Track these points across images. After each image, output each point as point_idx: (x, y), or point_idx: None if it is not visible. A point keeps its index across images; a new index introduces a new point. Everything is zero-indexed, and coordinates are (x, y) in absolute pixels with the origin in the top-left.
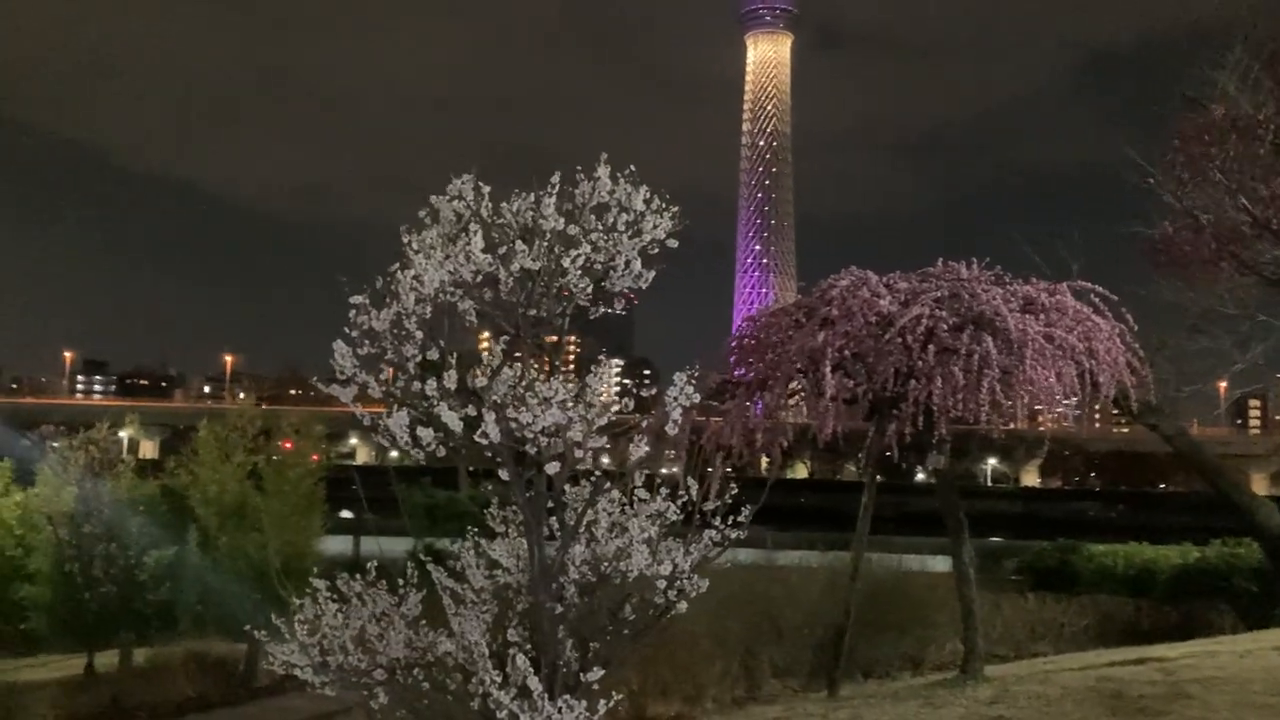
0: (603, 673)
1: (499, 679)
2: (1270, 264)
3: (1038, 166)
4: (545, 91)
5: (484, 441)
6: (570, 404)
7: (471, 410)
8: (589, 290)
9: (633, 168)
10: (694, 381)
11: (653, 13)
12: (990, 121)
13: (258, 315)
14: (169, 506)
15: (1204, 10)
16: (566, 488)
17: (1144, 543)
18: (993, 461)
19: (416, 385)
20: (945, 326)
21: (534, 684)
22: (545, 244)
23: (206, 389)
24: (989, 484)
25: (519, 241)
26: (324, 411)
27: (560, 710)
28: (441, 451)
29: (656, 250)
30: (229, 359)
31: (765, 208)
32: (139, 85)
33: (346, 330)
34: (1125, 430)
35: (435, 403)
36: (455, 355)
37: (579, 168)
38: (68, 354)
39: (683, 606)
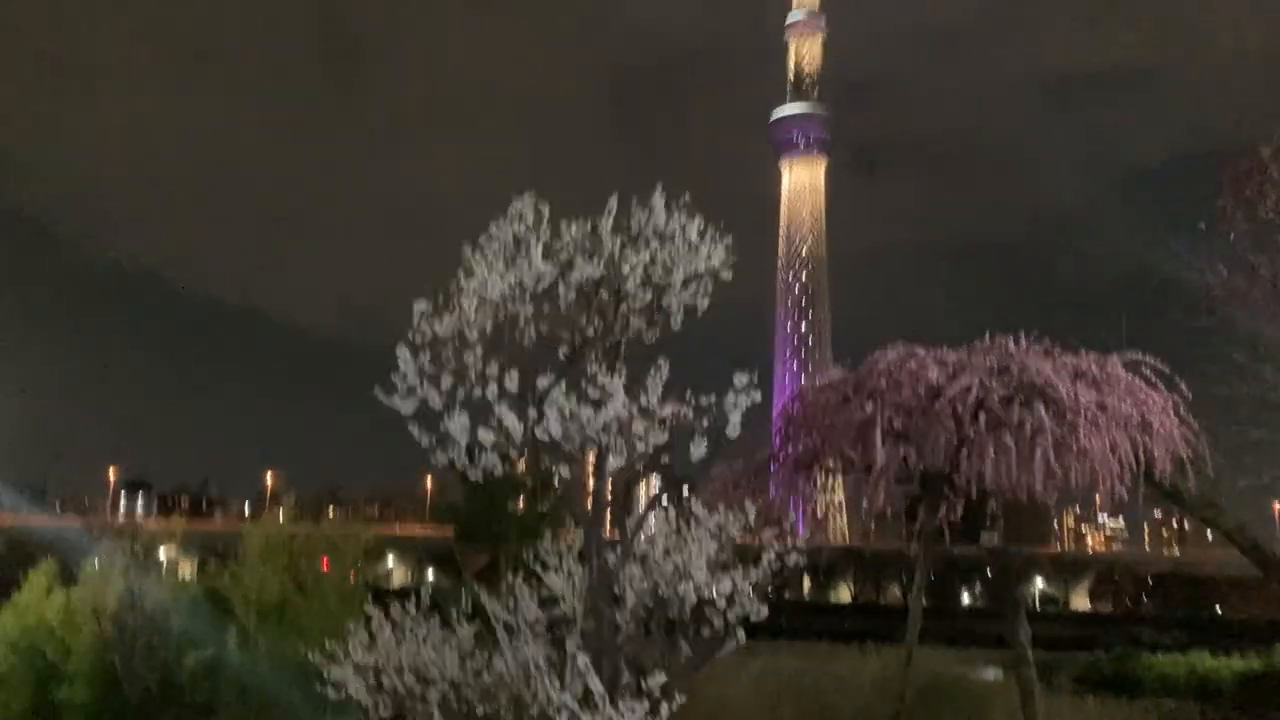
0: (665, 679)
1: (558, 685)
2: None
3: (1078, 279)
4: (582, 211)
5: (545, 439)
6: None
7: (533, 413)
8: (648, 299)
9: (688, 197)
10: (753, 387)
11: (688, 136)
12: (1028, 236)
13: (300, 433)
14: (211, 605)
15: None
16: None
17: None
18: (1040, 585)
19: (478, 391)
20: (995, 398)
21: (595, 685)
22: (604, 256)
23: (247, 510)
24: (1037, 608)
25: (578, 256)
26: (362, 533)
27: (621, 714)
28: (499, 470)
29: (710, 285)
30: (270, 481)
31: (802, 329)
32: (180, 201)
33: (410, 336)
34: (1177, 553)
35: (496, 403)
36: (516, 368)
37: (635, 196)
38: (111, 474)
39: (742, 636)
